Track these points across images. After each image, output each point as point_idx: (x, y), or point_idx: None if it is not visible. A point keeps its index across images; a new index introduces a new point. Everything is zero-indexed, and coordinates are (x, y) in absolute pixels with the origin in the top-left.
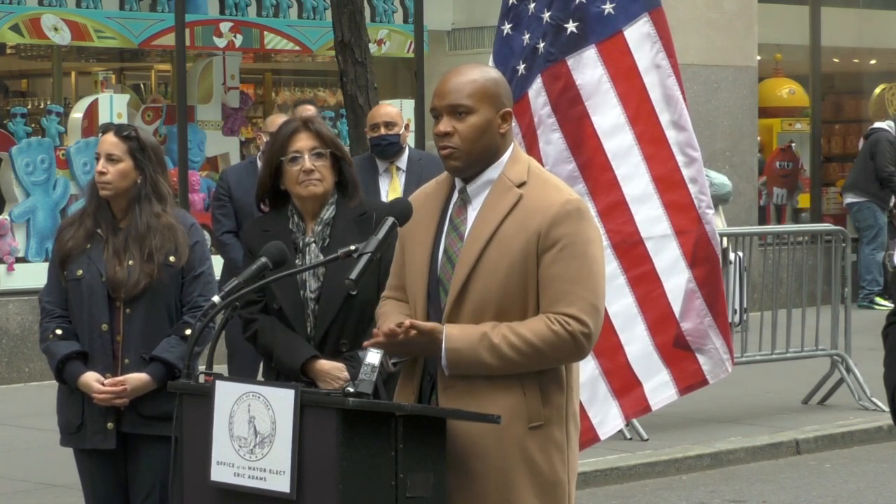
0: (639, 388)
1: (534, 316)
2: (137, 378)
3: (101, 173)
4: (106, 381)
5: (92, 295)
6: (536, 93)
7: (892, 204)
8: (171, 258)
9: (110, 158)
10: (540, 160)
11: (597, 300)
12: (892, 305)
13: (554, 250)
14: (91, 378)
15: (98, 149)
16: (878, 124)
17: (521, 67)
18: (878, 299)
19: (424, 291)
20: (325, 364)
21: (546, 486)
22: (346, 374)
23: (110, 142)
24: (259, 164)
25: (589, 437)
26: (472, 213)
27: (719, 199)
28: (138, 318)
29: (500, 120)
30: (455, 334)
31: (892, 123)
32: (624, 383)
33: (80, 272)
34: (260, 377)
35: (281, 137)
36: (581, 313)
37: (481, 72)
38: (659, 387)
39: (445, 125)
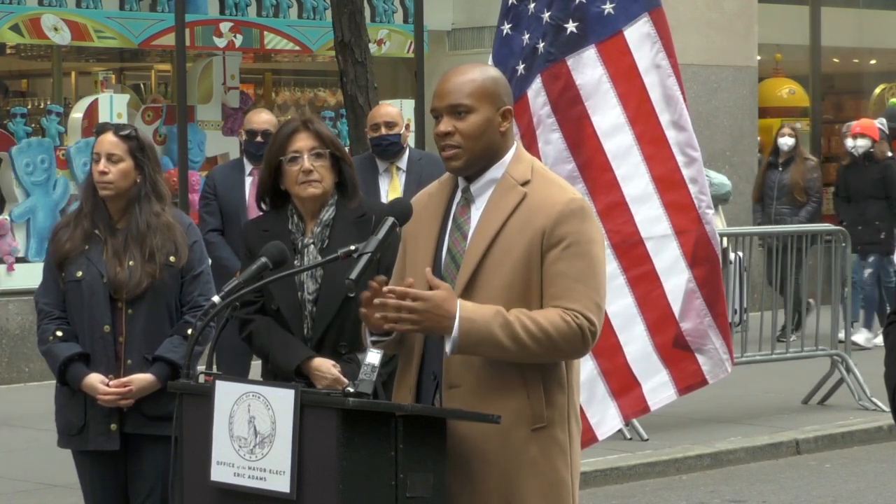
0: (637, 388)
1: None
2: (142, 378)
3: (103, 173)
4: (112, 383)
5: (93, 296)
6: (536, 93)
7: None
8: (172, 258)
9: (111, 158)
10: (539, 160)
11: (600, 299)
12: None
13: (558, 248)
14: (95, 380)
15: (97, 149)
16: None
17: (521, 67)
18: None
19: (425, 290)
20: (317, 362)
21: (550, 487)
22: (335, 371)
23: (111, 141)
24: (245, 162)
25: (587, 437)
26: (475, 212)
27: (719, 200)
28: (140, 319)
29: (501, 118)
30: (469, 306)
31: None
32: (622, 384)
33: (79, 273)
34: (252, 377)
35: (280, 137)
36: (586, 310)
37: (480, 71)
38: (658, 387)
39: (446, 125)
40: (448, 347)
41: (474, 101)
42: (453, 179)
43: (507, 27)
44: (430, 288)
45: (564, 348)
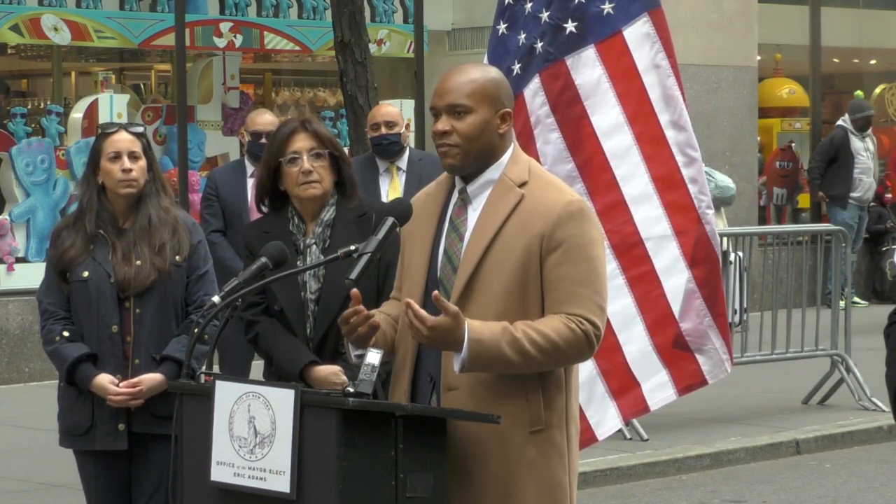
0: (637, 388)
1: (535, 317)
2: (152, 378)
3: (128, 171)
4: (122, 383)
5: (100, 296)
6: (534, 92)
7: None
8: (178, 257)
9: (133, 156)
10: (536, 159)
11: (603, 301)
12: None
13: (558, 252)
14: (105, 380)
15: (114, 148)
16: (840, 122)
17: (517, 67)
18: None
19: (422, 292)
20: (321, 370)
21: (547, 490)
22: (343, 378)
23: (129, 139)
24: (246, 163)
25: (586, 437)
26: (472, 213)
27: (722, 202)
28: (148, 319)
29: (499, 120)
30: (477, 326)
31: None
32: (622, 384)
33: (85, 273)
34: (252, 376)
35: (279, 138)
36: (590, 314)
37: (482, 71)
38: (657, 387)
39: (444, 124)
40: (457, 366)
41: (473, 101)
42: (450, 180)
43: (502, 27)
44: (436, 310)
45: (571, 355)
